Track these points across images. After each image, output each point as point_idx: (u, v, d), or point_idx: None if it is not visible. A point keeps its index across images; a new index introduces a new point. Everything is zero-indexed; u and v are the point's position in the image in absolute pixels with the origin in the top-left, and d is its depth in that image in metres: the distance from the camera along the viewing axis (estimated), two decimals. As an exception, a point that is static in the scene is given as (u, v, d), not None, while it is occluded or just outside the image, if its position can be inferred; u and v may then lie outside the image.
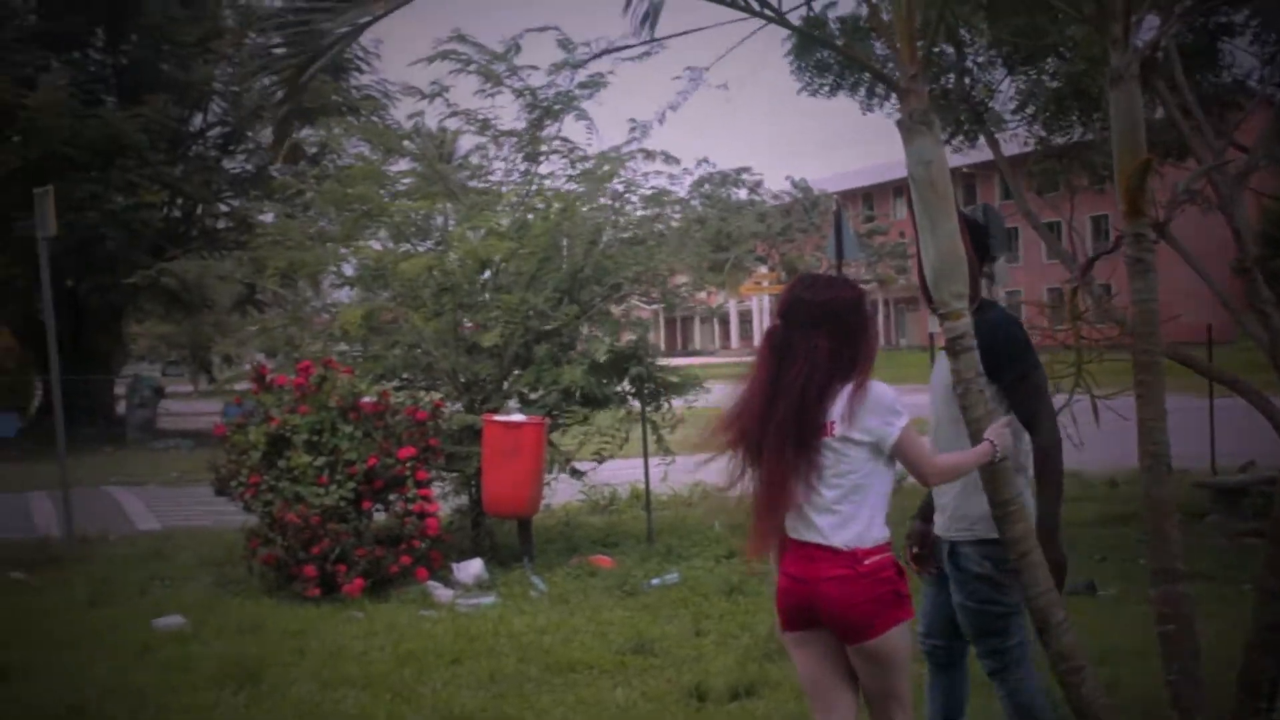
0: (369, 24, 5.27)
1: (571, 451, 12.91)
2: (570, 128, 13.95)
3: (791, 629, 4.61)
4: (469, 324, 12.78)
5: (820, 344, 4.39)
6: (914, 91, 4.80)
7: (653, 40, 5.47)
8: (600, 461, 12.90)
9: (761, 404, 4.45)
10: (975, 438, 4.79)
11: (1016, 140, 13.73)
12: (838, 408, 4.36)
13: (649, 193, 13.56)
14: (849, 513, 4.36)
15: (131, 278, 18.10)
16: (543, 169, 13.64)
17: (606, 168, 13.14)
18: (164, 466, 23.30)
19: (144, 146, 28.35)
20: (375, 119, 18.61)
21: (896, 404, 4.42)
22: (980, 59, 12.03)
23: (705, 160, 13.99)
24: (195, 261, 15.29)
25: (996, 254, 5.88)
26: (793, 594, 4.50)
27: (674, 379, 12.84)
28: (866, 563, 4.33)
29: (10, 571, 11.99)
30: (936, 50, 10.89)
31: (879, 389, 4.41)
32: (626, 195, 13.46)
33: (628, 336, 12.56)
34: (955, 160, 13.70)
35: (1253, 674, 4.89)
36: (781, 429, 4.39)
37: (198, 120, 33.49)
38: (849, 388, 4.38)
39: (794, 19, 5.66)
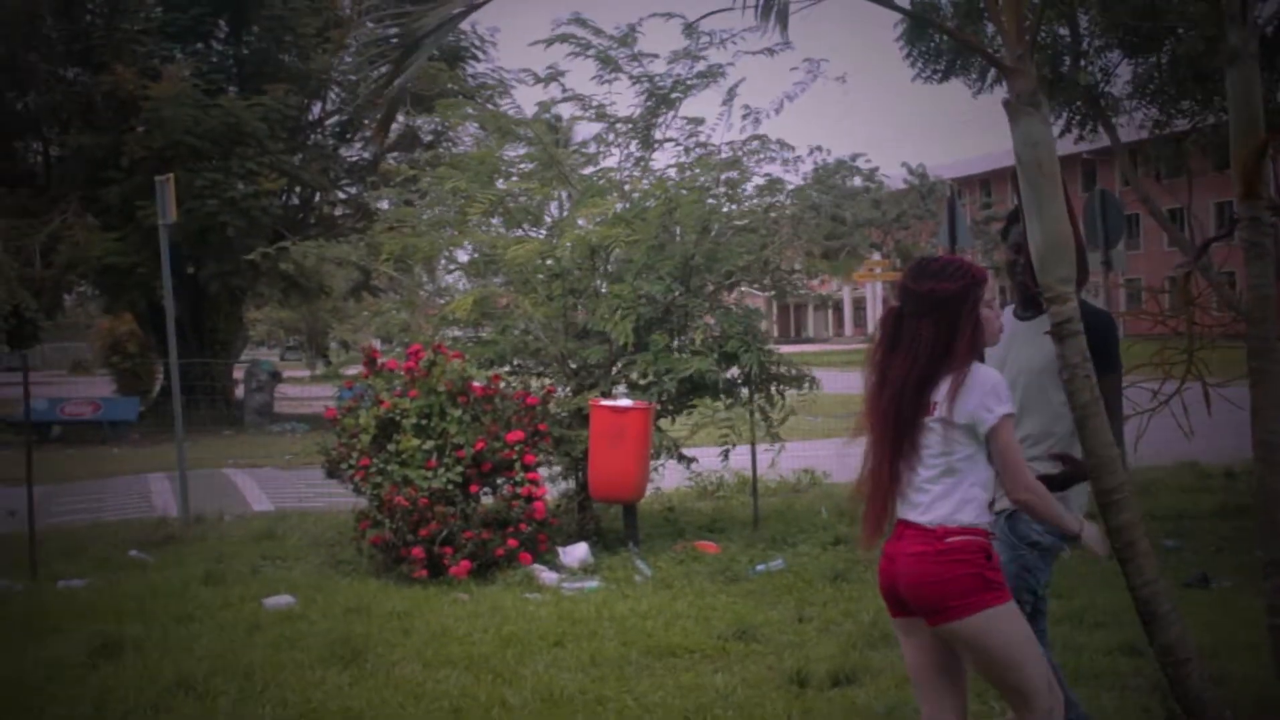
0: (467, 12, 5.30)
1: (680, 438, 12.88)
2: (688, 112, 13.90)
3: (894, 614, 4.59)
4: (579, 310, 12.82)
5: (924, 333, 4.38)
6: (1021, 72, 4.71)
7: (780, 42, 5.45)
8: (726, 454, 12.85)
9: (873, 390, 4.49)
10: (1080, 424, 4.71)
11: (1133, 125, 13.45)
12: (941, 391, 4.33)
13: (763, 181, 13.51)
14: (940, 492, 4.34)
15: (251, 255, 18.42)
16: (658, 158, 13.64)
17: (724, 156, 13.09)
18: (279, 449, 23.66)
19: (263, 135, 28.85)
20: (491, 105, 18.73)
21: (1001, 392, 4.34)
22: (1097, 42, 11.79)
23: (819, 148, 13.84)
24: (312, 245, 15.47)
25: (1116, 240, 5.90)
26: (883, 573, 4.51)
27: (784, 370, 12.76)
28: (947, 541, 4.28)
29: (130, 550, 12.27)
30: (1047, 35, 10.70)
31: (983, 374, 4.36)
32: (740, 184, 13.41)
33: (738, 326, 12.48)
34: (1073, 145, 13.46)
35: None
36: (885, 415, 4.43)
37: (316, 109, 33.99)
38: (952, 375, 4.34)
39: (904, 3, 5.60)
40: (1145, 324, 6.84)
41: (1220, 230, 5.72)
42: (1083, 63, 11.81)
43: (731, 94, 13.08)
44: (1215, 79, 11.11)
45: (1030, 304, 5.28)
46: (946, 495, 4.33)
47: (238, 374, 34.07)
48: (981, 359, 4.46)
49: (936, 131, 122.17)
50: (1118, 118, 12.61)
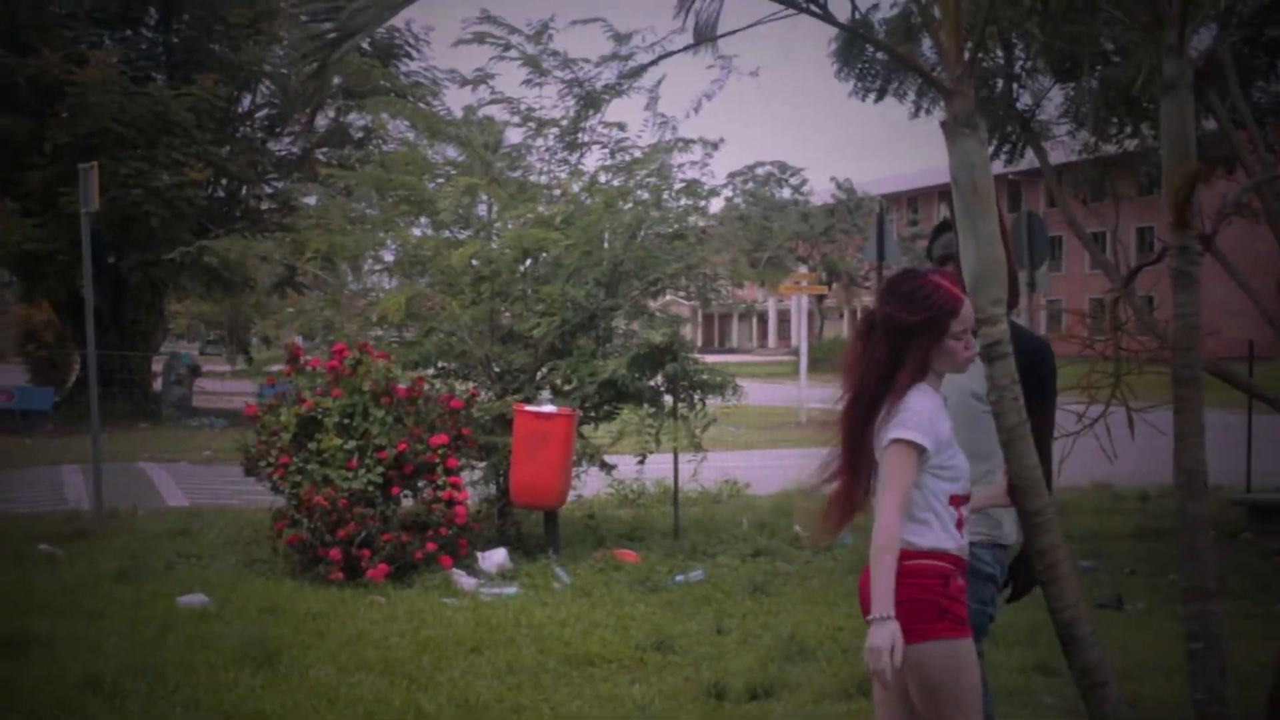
0: (402, 6, 5.24)
1: (603, 445, 12.86)
2: (614, 117, 13.84)
3: None
4: (506, 313, 12.76)
5: (877, 354, 4.25)
6: (960, 93, 4.71)
7: (705, 40, 5.42)
8: (641, 461, 12.84)
9: (843, 398, 4.36)
10: (1007, 446, 4.71)
11: (1064, 148, 13.59)
12: (880, 415, 4.21)
13: (682, 184, 13.53)
14: (904, 518, 4.13)
15: (173, 254, 18.18)
16: (585, 162, 13.62)
17: (645, 160, 13.09)
18: (196, 445, 23.39)
19: (191, 125, 28.47)
20: (423, 105, 18.60)
21: (908, 419, 4.12)
22: (1029, 65, 11.90)
23: (760, 164, 13.88)
24: (237, 240, 15.29)
25: (1041, 261, 5.86)
26: (858, 592, 4.31)
27: (708, 378, 12.76)
28: (905, 564, 4.06)
29: (40, 544, 12.03)
30: (984, 56, 10.78)
31: (907, 401, 4.16)
32: (662, 188, 13.40)
33: (664, 331, 12.47)
34: (1001, 167, 13.60)
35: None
36: (842, 428, 4.33)
37: (245, 101, 33.62)
38: (888, 402, 4.20)
39: (841, 20, 5.59)
40: (1072, 347, 6.89)
41: (1144, 258, 5.77)
42: (1015, 85, 11.92)
43: (654, 94, 13.08)
44: (1145, 107, 11.27)
45: None
46: (903, 520, 4.13)
47: (156, 367, 33.64)
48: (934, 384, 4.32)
49: (865, 149, 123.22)
50: (1047, 141, 12.74)
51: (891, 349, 4.22)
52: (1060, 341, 6.89)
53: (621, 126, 13.41)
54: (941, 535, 4.16)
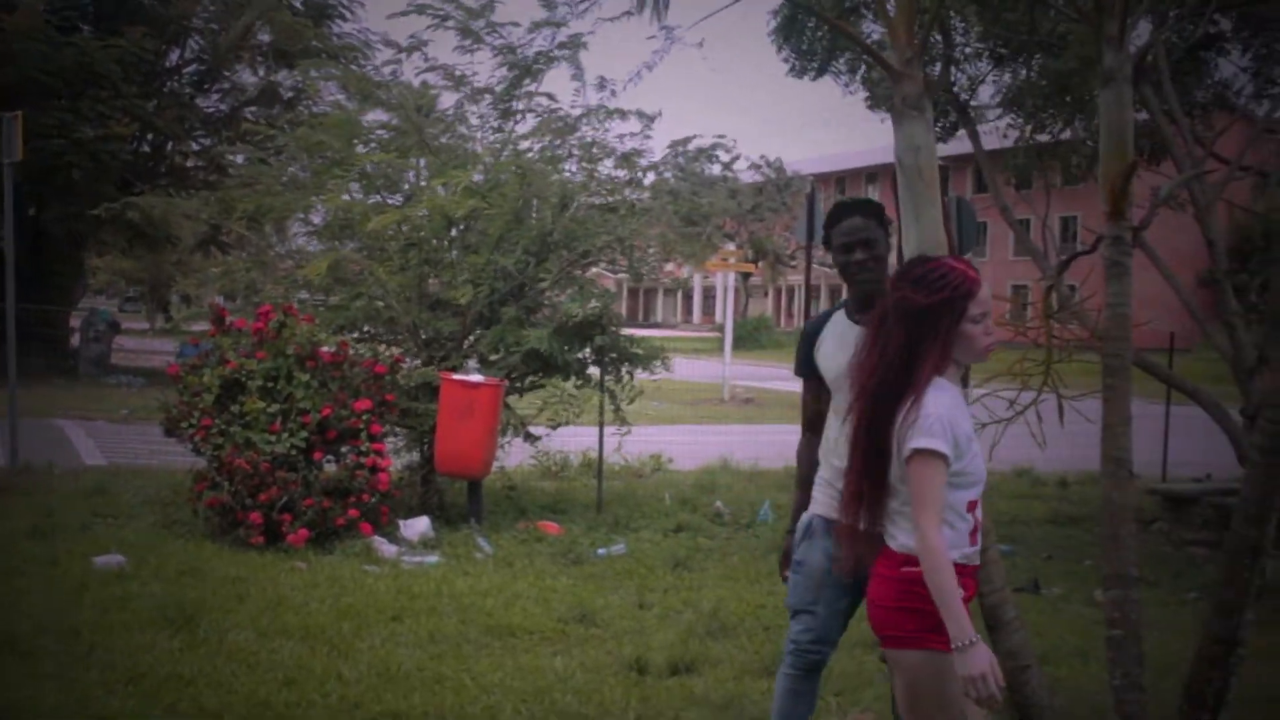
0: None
1: (529, 416, 12.83)
2: (550, 86, 13.79)
3: None
4: (433, 280, 12.67)
5: (893, 342, 3.99)
6: (909, 75, 4.73)
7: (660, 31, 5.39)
8: (554, 428, 12.85)
9: (855, 389, 4.12)
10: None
11: (995, 134, 13.69)
12: (901, 411, 3.97)
13: (620, 156, 13.47)
14: (902, 518, 4.01)
15: (97, 209, 17.86)
16: (519, 129, 13.53)
17: (579, 122, 13.05)
18: (114, 403, 23.06)
19: (118, 78, 27.97)
20: (354, 67, 18.43)
21: (929, 424, 3.89)
22: (968, 50, 11.97)
23: (691, 137, 13.82)
24: (162, 197, 15.05)
25: (969, 247, 5.82)
26: (871, 615, 4.19)
27: (637, 350, 12.75)
28: (903, 570, 3.97)
29: (-50, 498, 11.83)
30: (928, 40, 10.82)
31: (926, 402, 3.93)
32: (598, 156, 13.34)
33: (592, 304, 12.44)
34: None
35: (1198, 685, 4.87)
36: (856, 427, 4.10)
37: (174, 56, 33.07)
38: (909, 397, 3.97)
39: None
40: (1001, 334, 6.94)
41: (1069, 247, 5.81)
42: (953, 70, 11.98)
43: (576, 57, 13.00)
44: (1082, 97, 11.37)
45: (866, 306, 4.73)
46: (906, 524, 3.99)
47: (74, 323, 33.11)
48: (962, 378, 4.19)
49: (794, 128, 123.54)
50: (982, 126, 12.83)
51: (908, 338, 3.98)
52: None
53: (551, 96, 13.36)
54: (955, 545, 3.97)
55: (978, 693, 3.76)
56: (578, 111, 13.23)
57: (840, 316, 5.01)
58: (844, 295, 5.15)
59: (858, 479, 4.06)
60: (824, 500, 4.92)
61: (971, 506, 4.00)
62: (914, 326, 3.97)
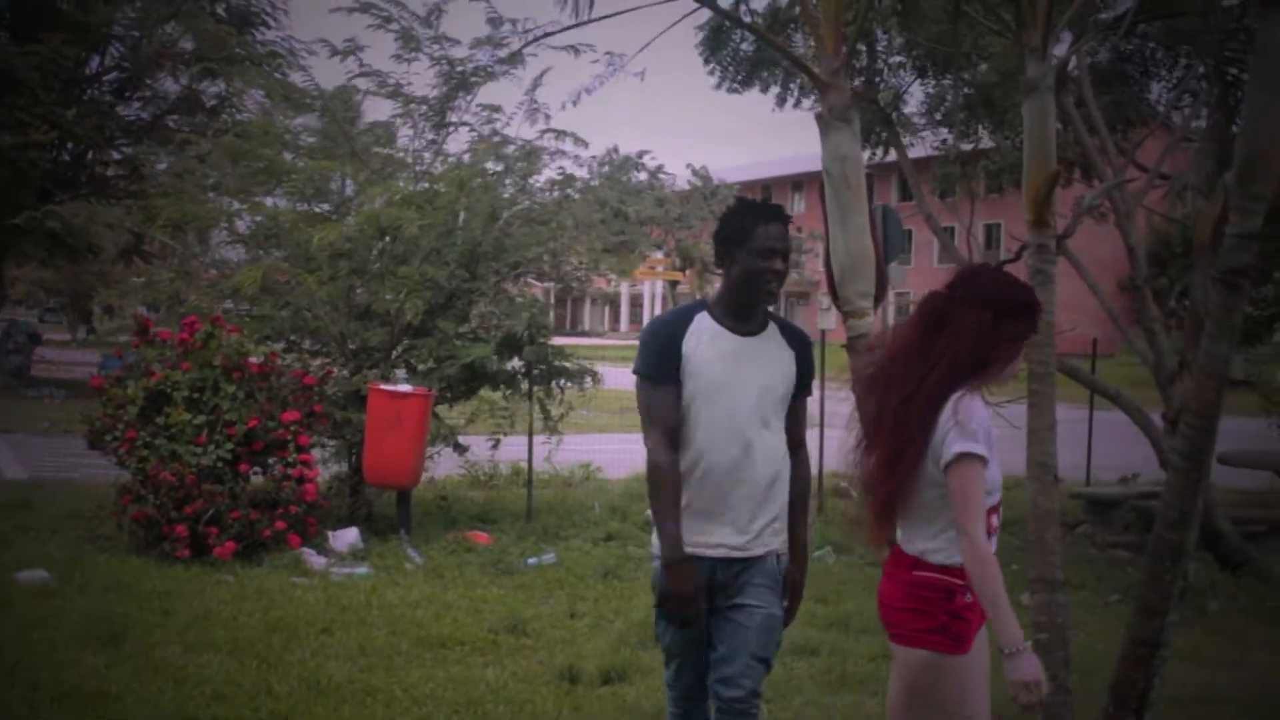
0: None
1: (459, 426, 12.79)
2: (486, 98, 13.76)
3: None
4: (361, 290, 12.61)
5: (954, 349, 3.94)
6: (835, 86, 4.77)
7: (582, 23, 5.41)
8: (496, 445, 12.81)
9: (881, 384, 4.08)
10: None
11: (921, 144, 13.83)
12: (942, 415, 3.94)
13: (557, 176, 13.53)
14: (920, 522, 4.01)
15: (16, 218, 17.58)
16: (451, 144, 13.54)
17: (518, 147, 13.06)
18: (35, 415, 22.61)
19: (36, 85, 27.57)
20: (279, 75, 18.25)
21: (979, 432, 3.86)
22: (892, 61, 12.09)
23: (614, 151, 13.94)
24: (83, 206, 14.84)
25: (893, 256, 5.81)
26: (881, 609, 4.21)
27: (566, 364, 12.75)
28: (914, 573, 4.00)
29: None
30: (854, 51, 10.92)
31: (970, 406, 3.91)
32: (531, 174, 13.38)
33: (525, 316, 12.43)
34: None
35: (1124, 686, 4.95)
36: (892, 424, 4.00)
37: (95, 63, 32.64)
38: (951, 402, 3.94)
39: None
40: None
41: (993, 255, 5.89)
42: (878, 81, 12.09)
43: (537, 83, 13.05)
44: (1005, 108, 11.52)
45: (747, 317, 4.65)
46: (923, 528, 3.99)
47: (-8, 334, 32.56)
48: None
49: (720, 137, 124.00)
50: (907, 137, 12.96)
51: (975, 346, 3.94)
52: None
53: (496, 109, 13.35)
54: (956, 553, 3.94)
55: (1025, 698, 3.80)
56: (514, 128, 13.27)
57: (706, 321, 4.59)
58: (699, 299, 4.75)
59: (889, 491, 4.01)
60: (691, 531, 4.54)
61: (991, 512, 3.97)
62: (982, 337, 3.94)
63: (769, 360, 4.63)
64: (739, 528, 4.57)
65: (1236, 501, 14.06)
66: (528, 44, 10.43)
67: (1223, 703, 7.18)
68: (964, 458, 3.84)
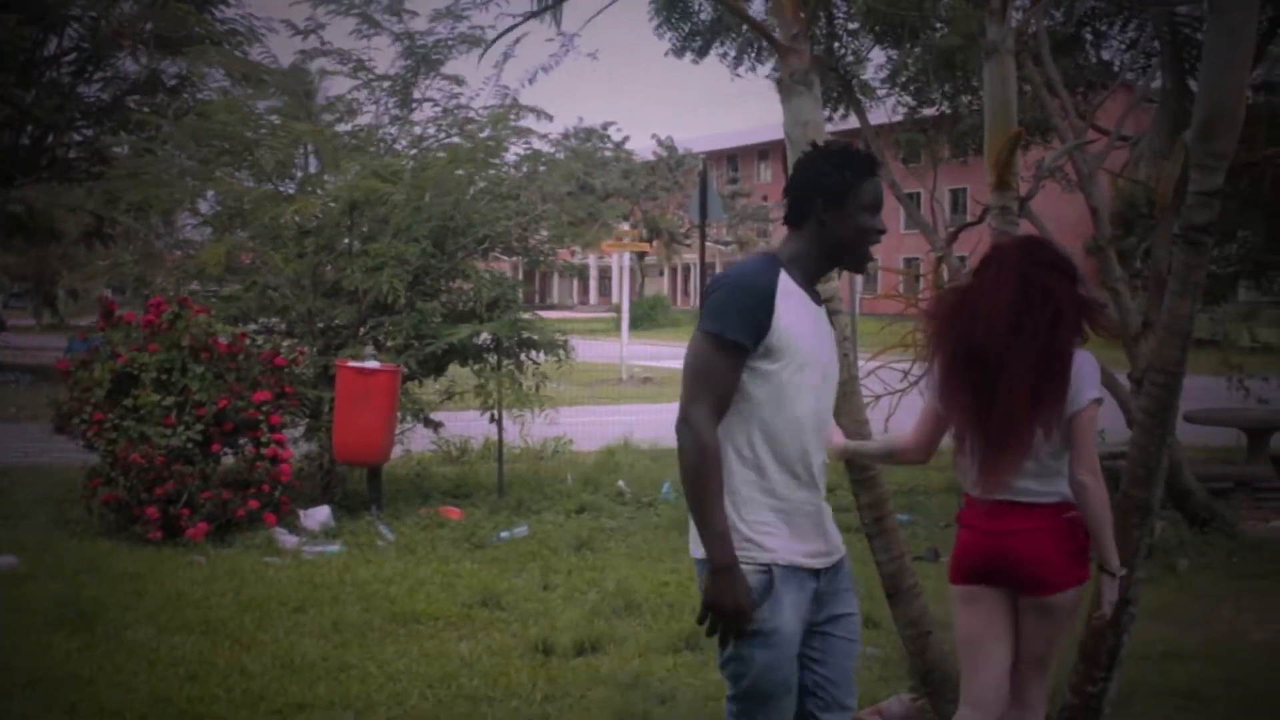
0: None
1: (431, 403, 12.77)
2: (450, 72, 13.68)
3: (964, 582, 4.59)
4: (329, 268, 12.56)
5: (1049, 312, 4.36)
6: (795, 50, 4.77)
7: (547, 8, 5.40)
8: (495, 420, 12.73)
9: (1006, 326, 4.34)
10: (840, 400, 4.80)
11: (883, 109, 13.83)
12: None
13: (525, 152, 13.52)
14: (1058, 468, 4.39)
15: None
16: (415, 117, 13.48)
17: (488, 131, 13.03)
18: (1, 401, 22.57)
19: (-8, 67, 27.33)
20: (239, 53, 18.16)
21: (1094, 372, 4.44)
22: (852, 26, 12.07)
23: (579, 122, 13.98)
24: (44, 188, 14.75)
25: None
26: (978, 547, 4.49)
27: (534, 336, 12.74)
28: (1066, 516, 4.38)
29: None
30: (814, 16, 10.91)
31: (1082, 355, 4.44)
32: (498, 151, 13.34)
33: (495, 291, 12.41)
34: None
35: (1092, 644, 4.99)
36: (1041, 375, 4.36)
37: (53, 44, 32.33)
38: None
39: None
40: (893, 305, 7.05)
41: (960, 219, 5.90)
42: (837, 46, 12.08)
43: (505, 56, 13.01)
44: (966, 72, 11.52)
45: (818, 280, 4.20)
46: (1057, 472, 4.38)
47: (-45, 320, 32.37)
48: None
49: (685, 107, 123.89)
50: (868, 102, 12.95)
51: (1068, 308, 4.39)
52: (880, 301, 7.06)
53: (459, 81, 13.31)
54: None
55: (1111, 616, 4.52)
56: (479, 103, 13.23)
57: (789, 283, 3.89)
58: (764, 252, 4.13)
59: (1020, 449, 4.30)
60: (789, 538, 3.87)
61: None
62: (1069, 299, 4.39)
63: (830, 337, 4.10)
64: (828, 527, 4.00)
65: (1204, 459, 14.18)
66: (499, 37, 10.37)
67: (1191, 659, 7.25)
68: (1095, 402, 4.36)
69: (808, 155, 4.08)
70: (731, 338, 3.75)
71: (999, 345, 4.29)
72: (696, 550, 3.81)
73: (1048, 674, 4.58)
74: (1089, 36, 12.38)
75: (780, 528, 3.81)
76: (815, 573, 3.90)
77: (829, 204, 3.90)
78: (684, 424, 3.80)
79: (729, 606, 3.65)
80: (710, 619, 3.69)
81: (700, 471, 3.73)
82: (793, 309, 3.83)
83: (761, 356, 3.78)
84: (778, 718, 3.87)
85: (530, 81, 13.24)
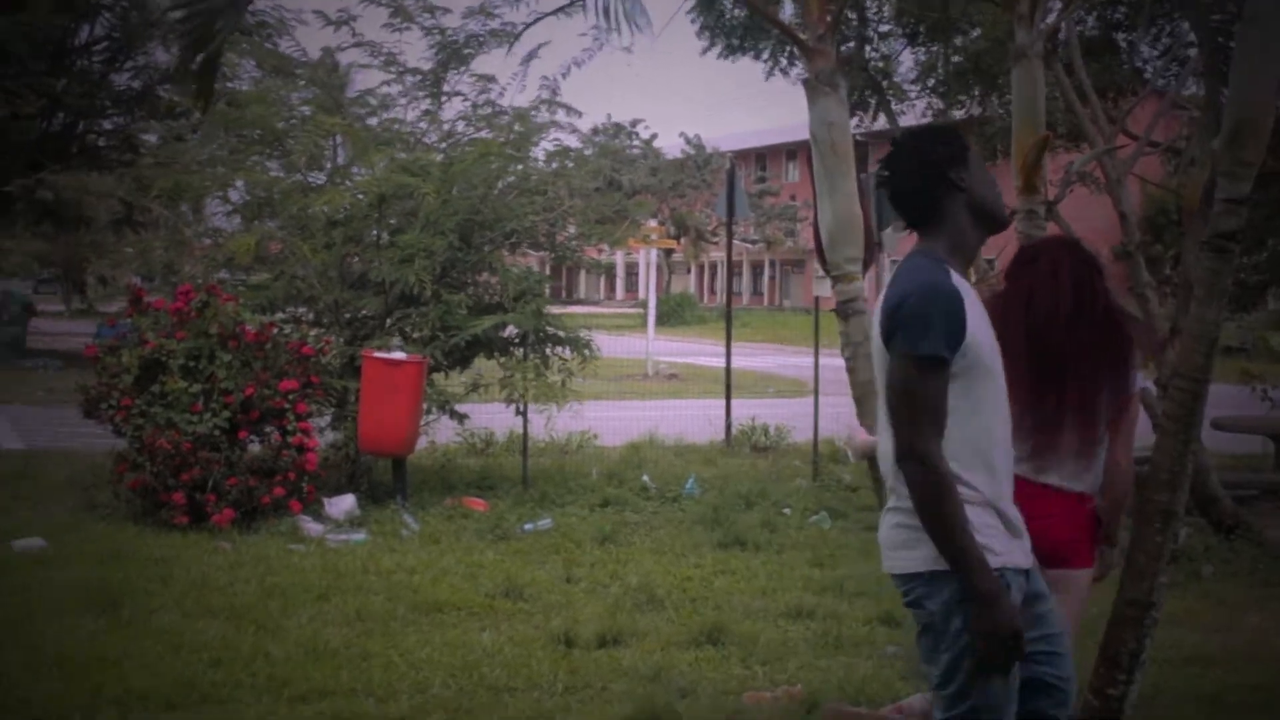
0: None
1: (456, 395, 12.81)
2: (481, 69, 13.73)
3: None
4: (356, 259, 12.62)
5: (1101, 305, 4.66)
6: (821, 51, 4.80)
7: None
8: (521, 413, 12.78)
9: (1067, 316, 4.56)
10: (860, 402, 4.83)
11: (914, 112, 13.84)
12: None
13: (553, 148, 13.56)
14: (1089, 464, 4.63)
15: (8, 187, 17.58)
16: (445, 111, 13.53)
17: (518, 126, 13.06)
18: (31, 386, 22.71)
19: (24, 54, 27.45)
20: (270, 45, 18.20)
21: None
22: (883, 28, 12.09)
23: (608, 119, 14.02)
24: (74, 176, 14.84)
25: (887, 223, 5.80)
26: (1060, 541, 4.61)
27: (559, 332, 12.77)
28: (1089, 505, 4.67)
29: None
30: (840, 17, 10.94)
31: None
32: (528, 146, 13.40)
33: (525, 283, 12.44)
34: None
35: (1114, 646, 5.00)
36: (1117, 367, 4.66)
37: (84, 33, 32.50)
38: None
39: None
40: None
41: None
42: (868, 49, 12.10)
43: (532, 55, 13.05)
44: (994, 75, 11.52)
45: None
46: (1094, 465, 4.65)
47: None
48: None
49: (713, 106, 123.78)
50: (898, 104, 12.96)
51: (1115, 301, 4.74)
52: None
53: (491, 79, 13.34)
54: None
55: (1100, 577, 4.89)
56: (508, 98, 13.27)
57: (961, 280, 3.70)
58: (921, 252, 3.79)
59: (1093, 443, 4.60)
60: (1007, 537, 3.70)
61: None
62: (1110, 293, 4.70)
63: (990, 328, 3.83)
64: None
65: (1230, 466, 14.13)
66: (527, 26, 10.43)
67: (1214, 664, 7.24)
68: (1142, 392, 4.73)
69: (897, 150, 3.85)
70: (941, 355, 3.54)
71: (1061, 335, 4.50)
72: (907, 564, 3.63)
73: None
74: (1121, 42, 12.37)
75: (999, 531, 3.63)
76: (1026, 571, 3.74)
77: (957, 167, 3.74)
78: (912, 460, 3.53)
79: (1007, 632, 3.44)
80: (990, 653, 3.46)
81: (943, 505, 3.49)
82: (973, 307, 3.64)
83: (957, 364, 3.58)
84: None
85: (563, 76, 13.22)
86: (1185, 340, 4.89)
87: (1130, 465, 4.67)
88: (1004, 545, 3.60)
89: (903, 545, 3.63)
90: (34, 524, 10.09)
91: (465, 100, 13.41)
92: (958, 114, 13.51)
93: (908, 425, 3.53)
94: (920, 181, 3.76)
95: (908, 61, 12.94)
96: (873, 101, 12.85)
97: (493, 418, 14.13)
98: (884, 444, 3.72)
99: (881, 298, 3.71)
